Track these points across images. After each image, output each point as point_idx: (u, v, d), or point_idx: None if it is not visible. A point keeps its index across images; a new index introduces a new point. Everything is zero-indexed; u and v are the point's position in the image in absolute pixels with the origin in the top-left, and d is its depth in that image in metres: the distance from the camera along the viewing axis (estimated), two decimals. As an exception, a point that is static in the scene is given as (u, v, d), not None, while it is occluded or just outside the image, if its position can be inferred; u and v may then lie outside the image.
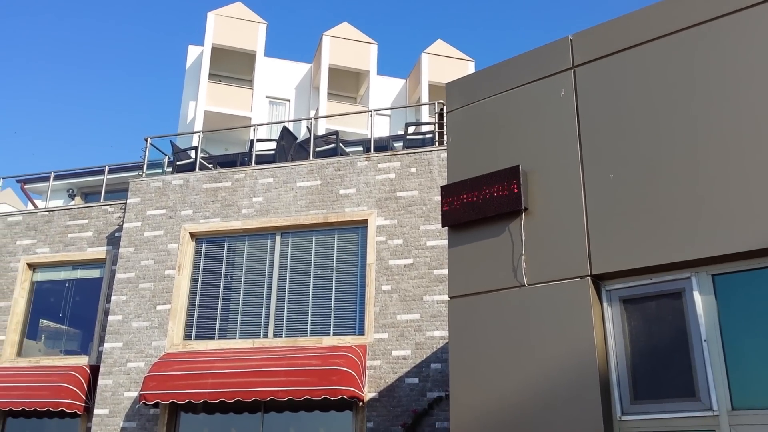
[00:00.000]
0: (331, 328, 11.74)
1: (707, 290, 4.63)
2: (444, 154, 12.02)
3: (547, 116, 5.68)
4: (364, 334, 11.39)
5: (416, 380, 10.83)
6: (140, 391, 11.47)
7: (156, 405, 11.67)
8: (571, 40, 5.72)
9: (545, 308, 5.16)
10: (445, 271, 11.15)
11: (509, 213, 5.54)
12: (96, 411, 12.16)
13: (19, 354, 14.10)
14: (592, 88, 5.48)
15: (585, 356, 4.84)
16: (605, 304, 5.04)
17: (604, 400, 4.72)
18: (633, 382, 4.78)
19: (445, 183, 6.25)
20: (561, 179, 5.41)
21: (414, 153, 12.34)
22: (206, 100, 26.21)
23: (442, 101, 13.13)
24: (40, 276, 14.72)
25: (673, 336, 4.70)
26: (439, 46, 29.07)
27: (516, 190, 5.51)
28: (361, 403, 10.90)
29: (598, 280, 5.08)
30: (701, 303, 4.62)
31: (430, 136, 13.59)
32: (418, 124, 15.43)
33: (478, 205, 5.72)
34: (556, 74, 5.72)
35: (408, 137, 13.99)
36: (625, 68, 5.33)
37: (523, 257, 5.39)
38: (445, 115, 6.96)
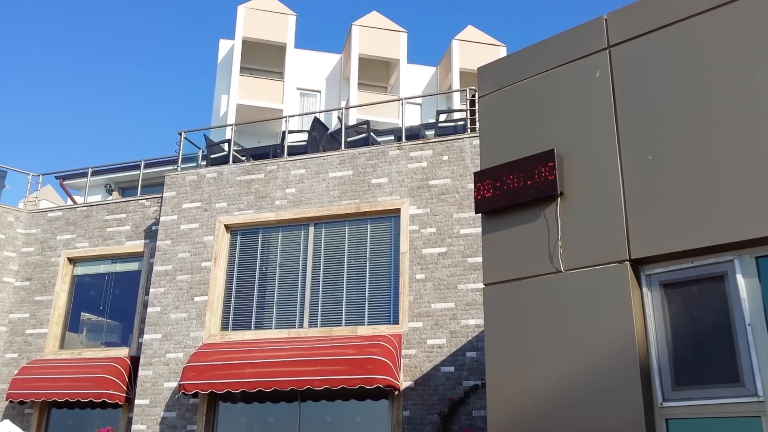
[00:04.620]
0: (366, 318, 11.76)
1: (751, 273, 4.49)
2: (476, 141, 11.90)
3: (582, 98, 5.56)
4: (398, 323, 11.39)
5: (452, 369, 10.80)
6: (179, 381, 11.65)
7: (195, 395, 11.85)
8: (605, 20, 5.59)
9: (583, 294, 5.08)
10: (480, 259, 11.07)
11: (544, 198, 5.45)
12: (137, 401, 12.41)
13: (62, 346, 14.44)
14: (628, 68, 5.34)
15: (624, 342, 4.74)
16: (645, 289, 4.93)
17: (645, 387, 4.62)
18: (674, 369, 4.67)
19: (477, 170, 6.17)
20: (597, 162, 5.30)
21: (446, 141, 12.25)
22: (238, 93, 26.40)
23: (473, 87, 12.99)
24: (81, 270, 15.03)
25: (715, 321, 4.58)
26: (470, 32, 28.76)
27: (551, 175, 5.42)
28: (396, 392, 10.91)
29: (637, 264, 4.97)
30: (745, 286, 4.49)
31: (461, 123, 13.47)
32: (449, 111, 15.29)
33: (513, 191, 5.64)
34: (591, 55, 5.59)
35: (439, 125, 13.88)
36: (663, 47, 5.19)
37: (560, 243, 5.30)
38: (477, 100, 6.87)
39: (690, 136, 4.86)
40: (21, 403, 13.64)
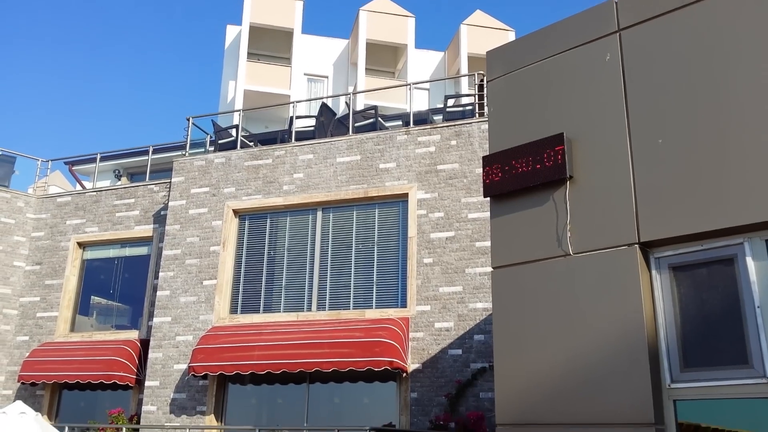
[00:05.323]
0: (374, 301, 11.83)
1: (761, 256, 4.50)
2: (485, 126, 11.89)
3: (591, 82, 5.55)
4: (406, 307, 11.46)
5: (459, 351, 10.87)
6: (189, 363, 11.78)
7: (205, 377, 11.98)
8: (616, 3, 5.56)
9: (591, 277, 5.10)
10: (488, 244, 11.10)
11: (553, 182, 5.46)
12: (147, 383, 12.55)
13: (73, 330, 14.60)
14: (638, 52, 5.33)
15: (633, 325, 4.77)
16: (654, 272, 4.95)
17: (653, 369, 4.66)
18: (683, 351, 4.70)
19: (486, 154, 6.18)
20: (607, 146, 5.30)
21: (454, 125, 12.25)
22: (245, 79, 26.37)
23: (482, 72, 12.95)
24: (90, 254, 15.15)
25: (724, 303, 4.60)
26: (478, 17, 28.58)
27: (560, 159, 5.42)
28: (404, 374, 11.00)
29: (647, 247, 4.98)
30: (754, 269, 4.50)
31: (470, 108, 13.45)
32: (457, 96, 15.28)
33: (521, 175, 5.65)
34: (601, 38, 5.57)
35: (447, 110, 13.87)
36: (674, 30, 5.17)
37: (568, 226, 5.32)
38: (485, 84, 6.87)
39: (700, 119, 4.85)
40: (33, 384, 13.82)
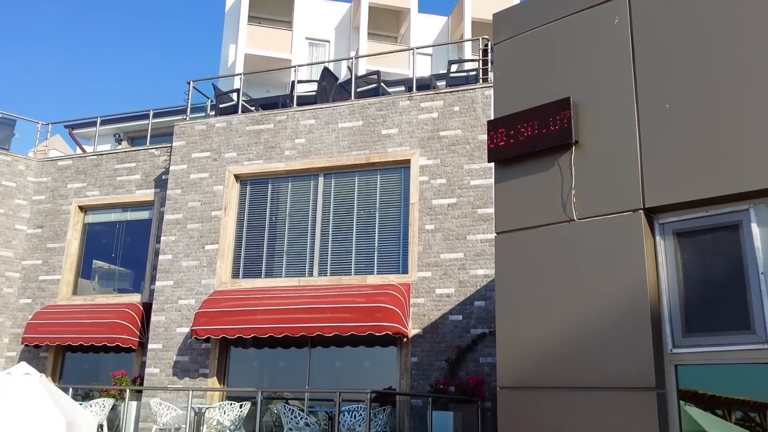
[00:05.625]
0: (375, 267, 11.86)
1: (766, 222, 4.49)
2: (488, 92, 11.79)
3: (599, 45, 5.48)
4: (407, 273, 11.49)
5: (460, 317, 10.94)
6: (192, 326, 11.87)
7: (207, 340, 12.07)
8: (626, -35, 5.45)
9: (595, 243, 5.09)
10: (489, 210, 11.09)
11: (559, 147, 5.42)
12: (150, 346, 12.66)
13: (75, 293, 14.67)
14: (648, 15, 5.24)
15: (636, 290, 4.78)
16: (658, 238, 4.94)
17: (655, 334, 4.68)
18: (686, 316, 4.72)
19: (489, 120, 6.12)
20: (614, 110, 5.25)
21: (457, 91, 12.13)
22: (246, 42, 26.06)
23: (486, 37, 12.79)
24: (92, 218, 15.16)
25: (728, 269, 4.60)
26: (482, -19, 28.09)
27: (566, 123, 5.37)
28: (405, 339, 11.09)
29: (651, 213, 4.97)
30: (759, 235, 4.49)
31: (473, 73, 13.31)
32: (461, 61, 15.07)
33: (527, 140, 5.61)
34: (610, 1, 5.47)
35: (451, 75, 13.71)
36: (685, -8, 5.07)
37: (573, 191, 5.30)
38: (491, 48, 6.78)
39: (708, 84, 4.80)
40: (36, 347, 13.95)
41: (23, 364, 8.73)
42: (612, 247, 5.00)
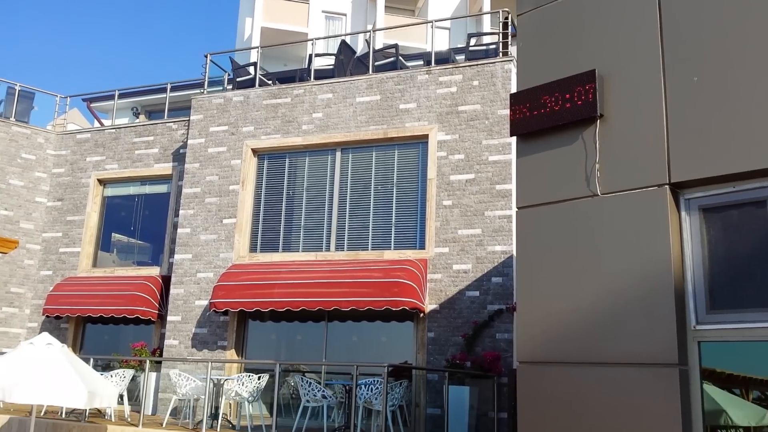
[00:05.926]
0: (392, 243, 11.86)
1: (795, 198, 4.40)
2: (508, 66, 11.63)
3: (626, 16, 5.35)
4: (425, 249, 11.48)
5: (477, 293, 10.93)
6: (210, 299, 11.97)
7: (225, 312, 12.18)
8: (656, -68, 5.30)
9: (619, 218, 5.03)
10: (508, 186, 11.02)
11: (583, 120, 5.33)
12: (169, 318, 12.80)
13: (95, 265, 14.83)
14: (677, -15, 5.10)
15: (660, 266, 4.72)
16: (683, 213, 4.87)
17: (679, 310, 4.63)
18: (710, 292, 4.66)
19: (509, 95, 6.03)
20: (640, 83, 5.14)
21: (476, 65, 11.98)
22: (263, 16, 25.88)
23: (506, 9, 12.59)
24: (111, 191, 15.26)
25: (755, 245, 4.53)
26: (502, -47, 27.62)
27: (591, 97, 5.27)
28: (422, 314, 11.11)
29: (677, 188, 4.89)
30: (788, 211, 4.41)
31: (493, 47, 13.13)
32: (480, 34, 14.88)
33: (550, 113, 5.52)
34: (638, -30, 5.34)
35: (470, 49, 13.55)
36: (716, -39, 4.93)
37: (597, 166, 5.22)
38: (513, 19, 6.66)
39: (738, 56, 4.68)
40: (57, 318, 14.16)
41: (45, 334, 8.87)
42: (636, 223, 4.93)
